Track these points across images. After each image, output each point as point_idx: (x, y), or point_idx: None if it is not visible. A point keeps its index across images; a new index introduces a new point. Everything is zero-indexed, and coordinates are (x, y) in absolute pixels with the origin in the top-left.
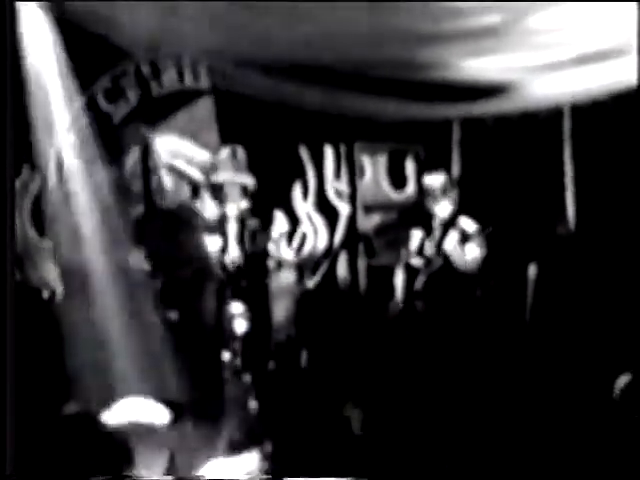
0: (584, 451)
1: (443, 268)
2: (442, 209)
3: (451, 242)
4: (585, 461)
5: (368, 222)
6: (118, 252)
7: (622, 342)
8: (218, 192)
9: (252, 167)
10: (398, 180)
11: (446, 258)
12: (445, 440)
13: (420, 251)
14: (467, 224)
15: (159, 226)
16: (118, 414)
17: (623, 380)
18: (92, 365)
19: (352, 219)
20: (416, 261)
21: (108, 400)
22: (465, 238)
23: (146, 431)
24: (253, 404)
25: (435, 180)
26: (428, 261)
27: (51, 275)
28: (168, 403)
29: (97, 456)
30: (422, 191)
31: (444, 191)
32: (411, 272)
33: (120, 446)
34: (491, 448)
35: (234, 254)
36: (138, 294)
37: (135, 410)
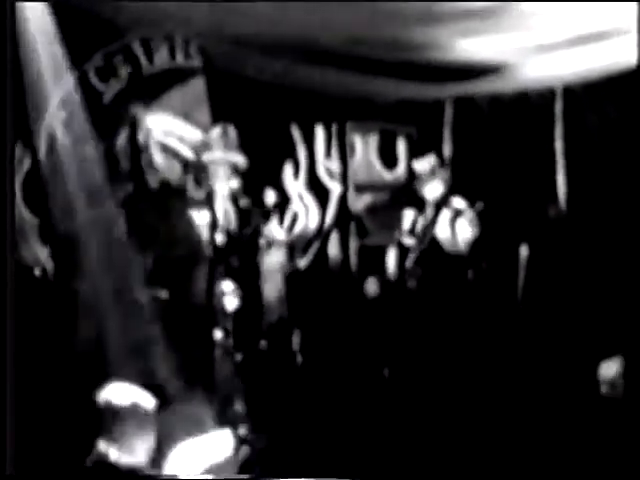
0: (575, 432)
1: (435, 247)
2: (431, 191)
3: (443, 222)
4: (575, 440)
5: (359, 202)
6: (108, 230)
7: (613, 324)
8: (208, 170)
9: (243, 146)
10: (389, 160)
11: (438, 237)
12: (434, 422)
13: (412, 230)
14: (459, 204)
15: (149, 204)
16: (105, 397)
17: (610, 365)
18: (82, 344)
19: (343, 199)
20: (408, 240)
21: (98, 380)
22: (457, 216)
23: (132, 415)
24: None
25: (423, 164)
26: (420, 240)
27: (42, 253)
28: (157, 385)
29: (86, 436)
30: (412, 172)
31: (433, 173)
32: (403, 251)
33: (105, 428)
34: (481, 429)
35: (224, 233)
36: (128, 273)
37: (121, 394)
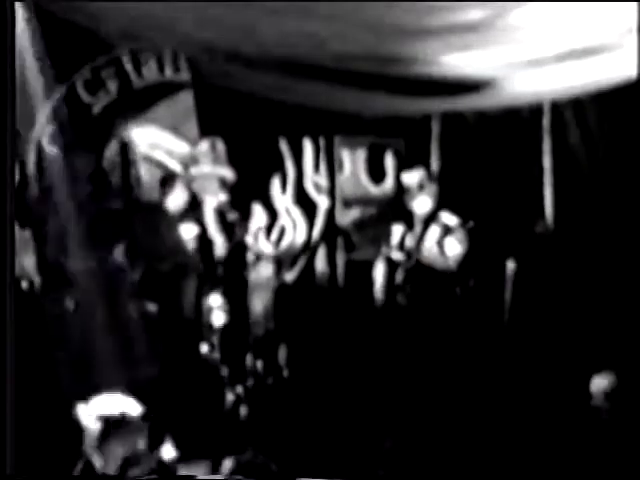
0: (562, 445)
1: (423, 263)
2: (420, 205)
3: (432, 237)
4: (561, 452)
5: (347, 216)
6: (97, 244)
7: (600, 339)
8: (195, 184)
9: (231, 160)
10: (377, 174)
11: (426, 253)
12: (424, 436)
13: (401, 245)
14: (449, 219)
15: (138, 218)
16: (92, 409)
17: (601, 381)
18: (69, 357)
19: (331, 213)
20: (397, 255)
21: (85, 393)
22: (447, 233)
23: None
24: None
25: (411, 177)
26: (409, 255)
27: (30, 266)
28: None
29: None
30: (401, 187)
31: (421, 187)
32: (392, 266)
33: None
34: (471, 443)
35: (212, 247)
36: (117, 286)
37: (108, 405)
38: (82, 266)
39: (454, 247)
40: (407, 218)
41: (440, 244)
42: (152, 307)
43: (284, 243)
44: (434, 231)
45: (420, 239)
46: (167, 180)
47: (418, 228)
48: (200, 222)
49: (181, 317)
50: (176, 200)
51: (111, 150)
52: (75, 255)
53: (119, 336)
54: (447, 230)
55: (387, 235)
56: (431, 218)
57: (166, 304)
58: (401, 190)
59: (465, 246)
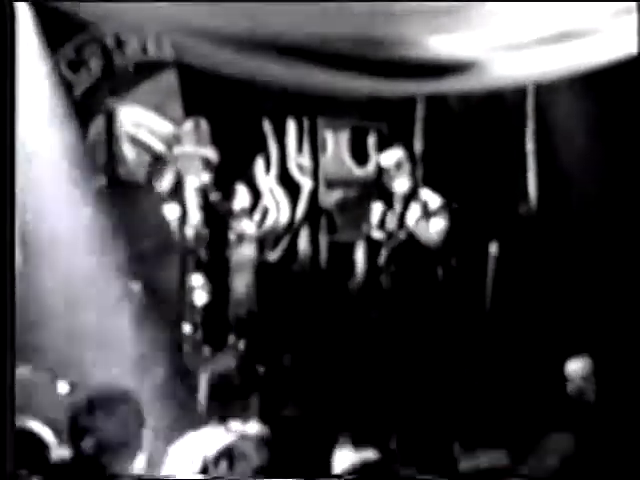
0: (538, 423)
1: (405, 242)
2: (399, 185)
3: (413, 215)
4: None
5: (330, 197)
6: (80, 222)
7: (581, 322)
8: (178, 163)
9: (215, 140)
10: (360, 156)
11: (408, 232)
12: (405, 415)
13: (382, 224)
14: (429, 197)
15: (121, 197)
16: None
17: (577, 363)
18: (52, 336)
19: (314, 194)
20: (378, 234)
21: (68, 370)
22: (427, 211)
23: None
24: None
25: (389, 158)
26: (390, 235)
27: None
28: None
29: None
30: (381, 168)
31: (399, 167)
32: (373, 246)
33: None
34: (451, 419)
35: (195, 227)
36: (99, 265)
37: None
38: (64, 243)
39: (435, 227)
40: (388, 198)
41: (421, 225)
42: (135, 286)
43: (267, 223)
44: (414, 211)
45: (400, 219)
46: (156, 164)
47: (398, 208)
48: (183, 202)
49: (164, 296)
50: (163, 181)
51: (94, 129)
52: (57, 233)
53: (101, 315)
54: (429, 211)
55: (368, 214)
56: (411, 197)
57: (149, 283)
58: (382, 172)
59: (447, 227)
